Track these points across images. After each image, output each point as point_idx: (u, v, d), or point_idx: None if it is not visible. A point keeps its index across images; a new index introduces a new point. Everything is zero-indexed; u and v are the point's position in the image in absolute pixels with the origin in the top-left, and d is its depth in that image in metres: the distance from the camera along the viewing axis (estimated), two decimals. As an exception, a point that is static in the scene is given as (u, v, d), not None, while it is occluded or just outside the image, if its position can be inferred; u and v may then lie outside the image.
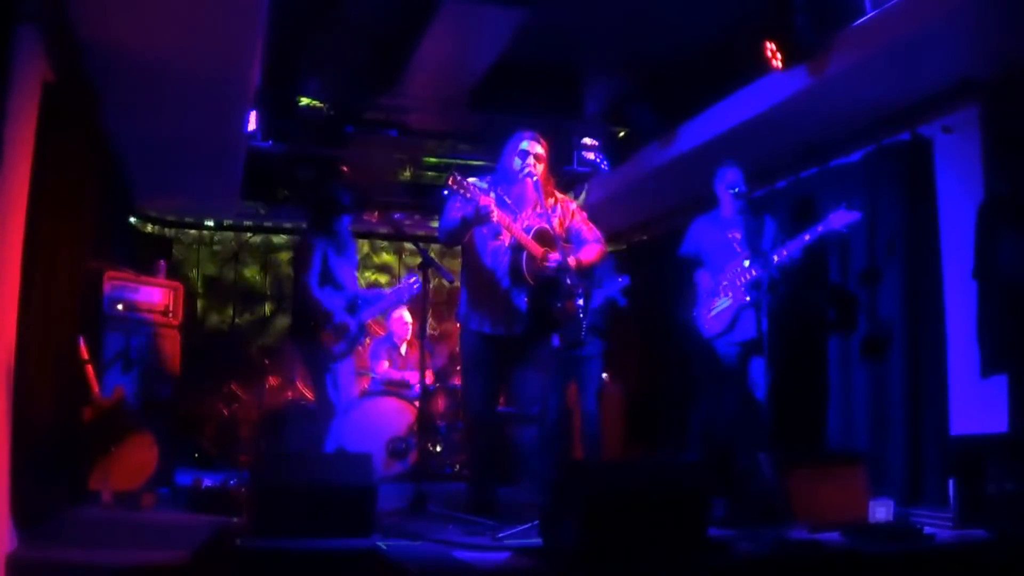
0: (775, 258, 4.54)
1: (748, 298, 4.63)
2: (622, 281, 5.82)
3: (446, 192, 4.03)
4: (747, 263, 4.65)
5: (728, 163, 4.89)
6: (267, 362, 7.19)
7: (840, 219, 4.48)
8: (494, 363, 4.22)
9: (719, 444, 4.55)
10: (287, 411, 6.59)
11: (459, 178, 3.95)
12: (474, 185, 4.00)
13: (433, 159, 7.21)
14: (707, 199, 5.07)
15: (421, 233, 8.10)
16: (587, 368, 5.73)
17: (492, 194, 4.16)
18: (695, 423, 4.65)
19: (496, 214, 3.97)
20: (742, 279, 4.65)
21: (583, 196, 7.35)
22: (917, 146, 5.01)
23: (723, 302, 4.68)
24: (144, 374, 5.39)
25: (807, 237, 4.51)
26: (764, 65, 4.74)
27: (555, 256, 4.04)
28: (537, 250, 4.07)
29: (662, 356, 7.11)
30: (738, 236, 4.77)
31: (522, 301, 4.12)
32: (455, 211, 4.12)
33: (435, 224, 5.48)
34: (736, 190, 4.76)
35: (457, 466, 6.52)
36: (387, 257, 9.22)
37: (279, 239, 8.71)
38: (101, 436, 4.46)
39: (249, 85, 4.87)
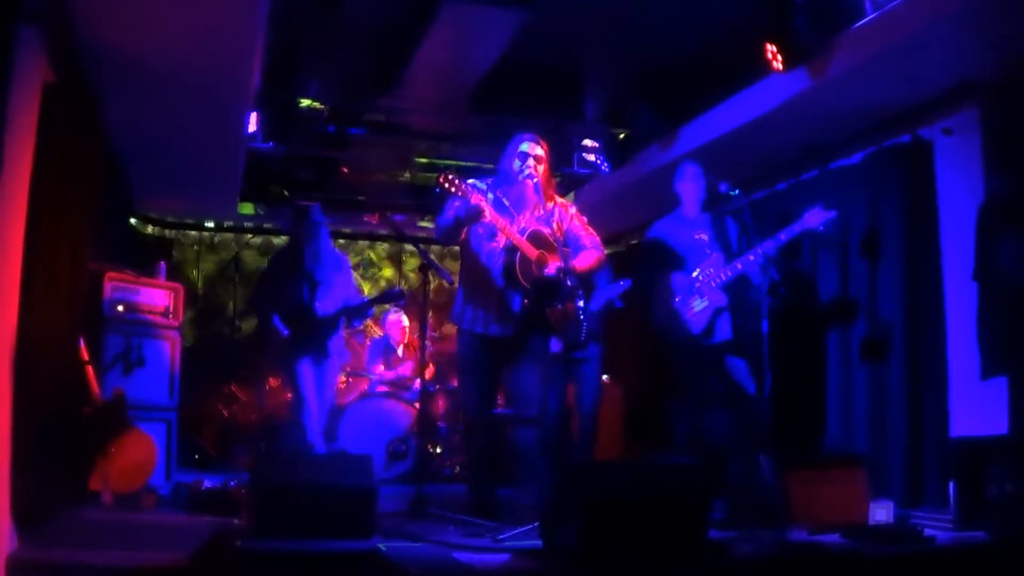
0: (751, 258, 4.49)
1: (724, 301, 4.59)
2: (623, 284, 5.80)
3: (437, 191, 4.05)
4: (721, 265, 4.59)
5: (688, 160, 4.85)
6: (267, 363, 7.18)
7: (815, 218, 4.45)
8: (489, 364, 4.22)
9: (709, 445, 4.52)
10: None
11: (451, 177, 3.95)
12: (468, 184, 4.00)
13: (433, 160, 7.21)
14: (708, 200, 5.04)
15: (421, 235, 8.10)
16: (585, 370, 5.71)
17: (490, 195, 4.16)
18: (682, 426, 4.60)
19: (488, 213, 3.98)
20: (716, 281, 4.58)
21: (571, 195, 7.35)
22: (917, 148, 5.02)
23: (699, 304, 4.59)
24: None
25: (783, 236, 4.48)
26: (765, 67, 4.74)
27: (554, 264, 4.03)
28: (532, 252, 4.06)
29: (661, 358, 7.10)
30: (705, 238, 4.70)
31: (516, 302, 4.12)
32: (450, 209, 4.13)
33: (432, 225, 5.48)
34: (695, 185, 4.70)
35: (457, 467, 6.52)
36: (386, 260, 9.22)
37: (279, 240, 8.71)
38: (101, 437, 4.46)
39: (249, 86, 4.87)
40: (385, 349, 7.23)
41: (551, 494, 3.27)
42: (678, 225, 4.79)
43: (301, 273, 5.15)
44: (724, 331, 4.60)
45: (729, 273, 4.55)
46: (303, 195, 6.92)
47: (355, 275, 8.21)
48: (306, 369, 5.07)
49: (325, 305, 5.15)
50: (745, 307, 4.78)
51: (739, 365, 4.60)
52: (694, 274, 4.62)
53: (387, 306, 8.10)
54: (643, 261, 4.93)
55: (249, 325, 8.51)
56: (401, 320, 7.30)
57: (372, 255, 9.22)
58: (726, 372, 4.59)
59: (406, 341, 7.25)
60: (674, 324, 4.61)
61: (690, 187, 4.75)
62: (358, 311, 5.26)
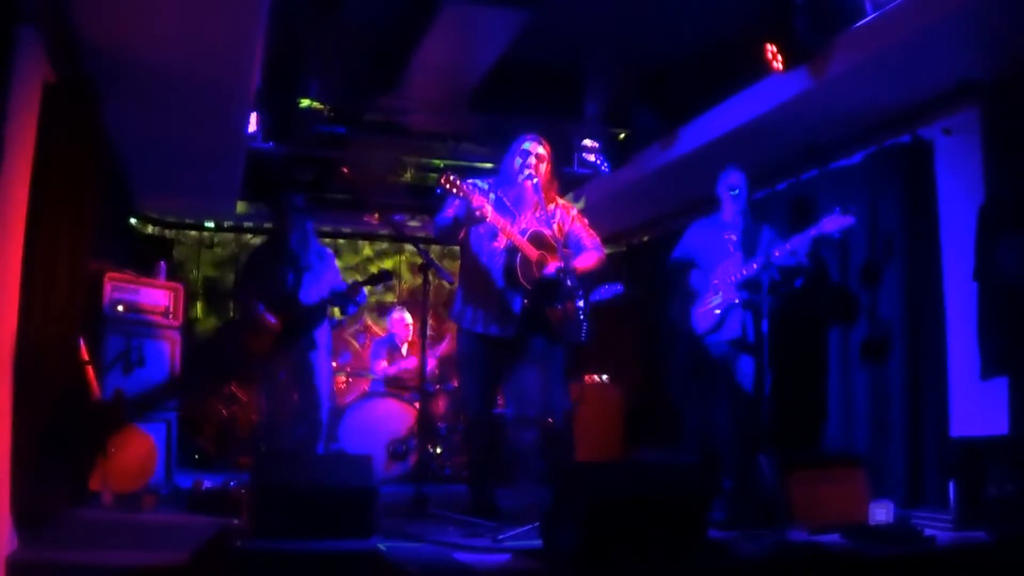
0: (767, 258, 4.51)
1: (738, 299, 4.62)
2: (615, 288, 5.81)
3: (439, 191, 4.05)
4: (740, 263, 4.64)
5: (732, 166, 4.89)
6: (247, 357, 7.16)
7: (834, 223, 4.44)
8: (489, 364, 4.22)
9: (714, 443, 4.53)
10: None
11: (452, 177, 3.95)
12: (469, 185, 4.00)
13: (434, 160, 7.21)
14: (708, 201, 5.07)
15: (422, 235, 8.10)
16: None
17: (492, 195, 4.16)
18: (691, 423, 4.63)
19: (490, 214, 3.98)
20: (733, 278, 4.63)
21: (583, 201, 7.35)
22: (917, 148, 5.01)
23: (714, 300, 4.66)
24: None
25: (800, 239, 4.50)
26: (765, 67, 4.74)
27: (555, 263, 4.03)
28: (532, 253, 4.06)
29: (662, 357, 7.11)
30: (734, 238, 4.76)
31: (516, 303, 4.12)
32: (449, 208, 4.13)
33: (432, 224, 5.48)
34: (736, 191, 4.76)
35: (457, 468, 6.52)
36: (387, 259, 9.22)
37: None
38: (101, 437, 4.46)
39: (250, 86, 4.87)
40: (389, 347, 7.24)
41: (552, 494, 3.27)
42: (712, 227, 4.90)
43: (285, 261, 5.14)
44: (734, 328, 4.63)
45: (745, 272, 4.59)
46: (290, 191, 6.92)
47: (353, 274, 8.23)
48: (268, 366, 5.06)
49: (309, 293, 5.14)
50: (758, 306, 4.80)
51: (745, 363, 4.63)
52: (715, 274, 4.68)
53: (390, 303, 8.11)
54: (668, 280, 4.99)
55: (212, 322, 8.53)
56: (405, 318, 7.33)
57: (371, 255, 9.21)
58: (731, 369, 4.63)
59: (411, 340, 7.26)
60: (687, 320, 4.67)
61: (729, 192, 4.82)
62: (347, 295, 5.20)
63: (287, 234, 5.20)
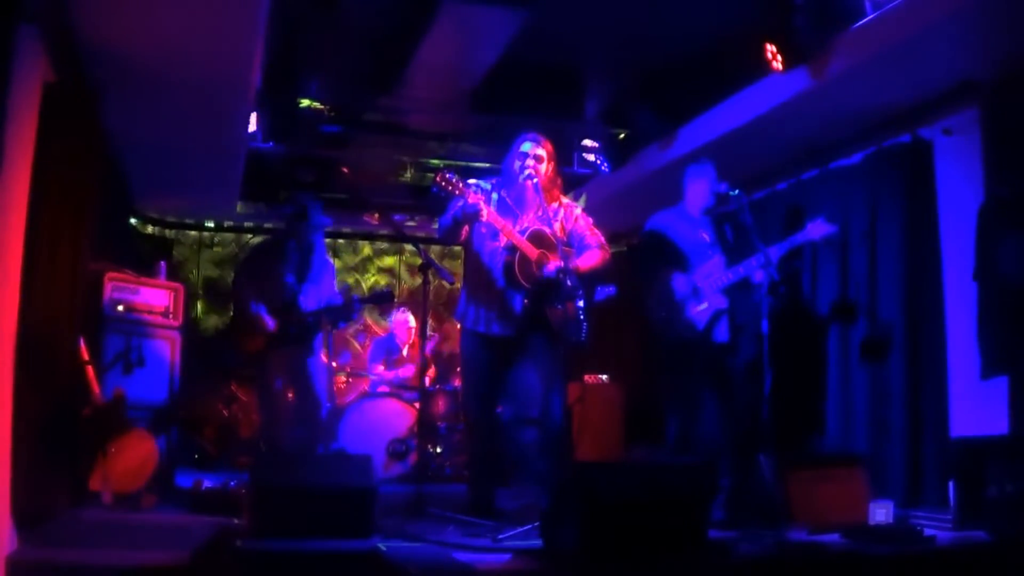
0: (753, 262, 4.47)
1: (725, 304, 4.57)
2: (607, 291, 5.80)
3: (435, 190, 4.04)
4: (722, 267, 4.58)
5: (703, 160, 4.80)
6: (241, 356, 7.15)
7: (817, 230, 4.49)
8: (491, 364, 4.21)
9: (700, 447, 4.50)
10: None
11: (448, 176, 3.95)
12: (466, 183, 4.00)
13: (434, 160, 7.21)
14: (713, 204, 5.02)
15: (421, 235, 8.11)
16: None
17: (494, 195, 4.17)
18: (673, 425, 4.59)
19: (486, 213, 3.97)
20: (718, 284, 4.57)
21: (583, 198, 7.35)
22: (917, 148, 5.02)
23: (699, 306, 4.57)
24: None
25: (785, 246, 4.50)
26: (765, 67, 4.74)
27: (554, 263, 4.03)
28: (532, 251, 4.06)
29: (656, 356, 7.09)
30: (707, 238, 4.70)
31: (517, 302, 4.12)
32: (452, 209, 4.13)
33: (436, 225, 5.50)
34: (718, 191, 4.69)
35: (457, 468, 6.52)
36: (388, 259, 9.22)
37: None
38: (101, 437, 4.46)
39: (250, 86, 4.87)
40: (388, 348, 7.23)
41: (552, 494, 3.27)
42: (681, 221, 4.76)
43: (290, 266, 5.14)
44: (722, 333, 4.60)
45: (731, 276, 4.54)
46: (305, 194, 6.92)
47: (353, 274, 8.24)
48: (283, 374, 5.08)
49: (309, 300, 5.15)
50: (746, 309, 4.77)
51: (735, 367, 4.60)
52: (698, 277, 4.62)
53: (391, 307, 8.12)
54: (644, 256, 4.91)
55: (213, 321, 8.53)
56: (408, 320, 7.32)
57: (374, 259, 9.21)
58: (722, 374, 4.59)
59: (411, 342, 7.25)
60: (673, 323, 4.61)
61: (700, 187, 4.71)
62: (343, 311, 5.23)
63: (295, 240, 5.18)
